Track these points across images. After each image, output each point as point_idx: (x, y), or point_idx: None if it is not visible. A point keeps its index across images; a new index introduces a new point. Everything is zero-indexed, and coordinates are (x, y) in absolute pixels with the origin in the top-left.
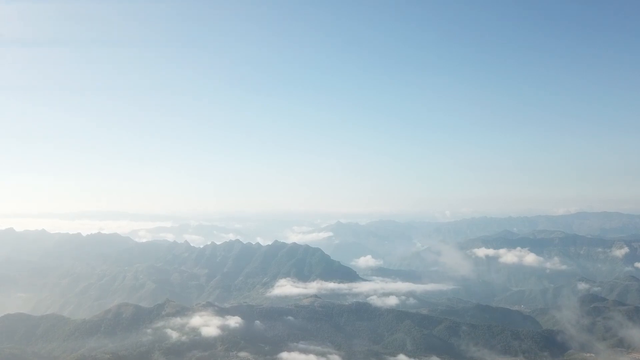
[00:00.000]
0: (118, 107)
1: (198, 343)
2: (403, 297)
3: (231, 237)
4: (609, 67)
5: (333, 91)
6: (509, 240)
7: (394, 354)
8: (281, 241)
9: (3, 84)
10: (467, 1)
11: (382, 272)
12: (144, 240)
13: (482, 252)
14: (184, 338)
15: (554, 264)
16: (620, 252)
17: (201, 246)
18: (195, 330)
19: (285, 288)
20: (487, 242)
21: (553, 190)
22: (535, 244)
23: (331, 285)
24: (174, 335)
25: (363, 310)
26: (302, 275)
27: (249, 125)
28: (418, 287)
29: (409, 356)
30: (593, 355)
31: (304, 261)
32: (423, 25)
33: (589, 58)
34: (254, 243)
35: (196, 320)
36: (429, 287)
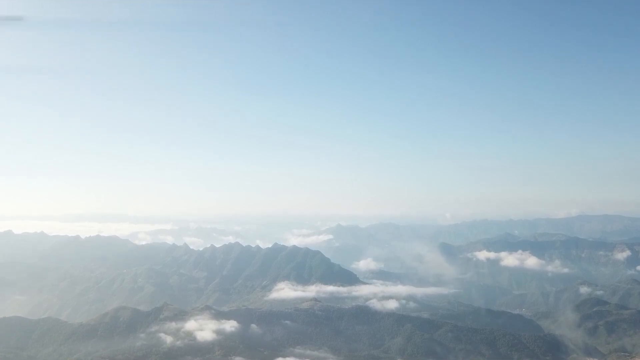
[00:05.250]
0: (118, 108)
1: (196, 347)
2: (403, 301)
3: (231, 239)
4: (610, 68)
5: (333, 92)
6: (510, 243)
7: (394, 359)
8: (281, 244)
9: (2, 85)
10: (465, 2)
11: (382, 275)
12: (144, 242)
13: (483, 255)
14: (178, 343)
15: (556, 267)
16: (622, 255)
17: (200, 249)
18: (190, 335)
19: (285, 291)
20: (488, 245)
21: (554, 192)
22: (536, 247)
23: (331, 288)
24: (168, 339)
25: (363, 314)
26: (301, 278)
27: (249, 126)
28: (419, 291)
29: None
30: (595, 359)
31: (304, 264)
32: (424, 25)
33: (591, 59)
34: (253, 246)
35: (192, 324)
36: (430, 290)
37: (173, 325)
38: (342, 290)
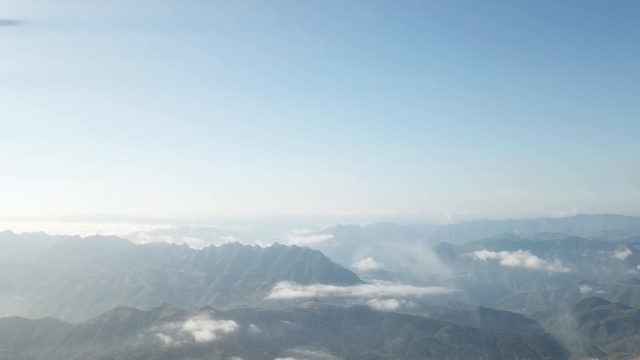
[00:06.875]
0: (118, 109)
1: (194, 348)
2: (403, 301)
3: (230, 239)
4: (611, 69)
5: (333, 93)
6: (511, 243)
7: (394, 359)
8: (281, 244)
9: (2, 85)
10: (467, 3)
11: (382, 275)
12: (144, 242)
13: (483, 254)
14: (177, 343)
15: (556, 266)
16: (622, 254)
17: (200, 249)
18: (189, 335)
19: (285, 291)
20: (488, 245)
21: (554, 192)
22: (536, 246)
23: (331, 288)
24: (166, 340)
25: (363, 314)
26: (301, 278)
27: (249, 127)
28: (419, 290)
29: None
30: (596, 359)
31: (304, 264)
32: (425, 27)
33: (592, 60)
34: (253, 246)
35: (191, 324)
36: (430, 290)
37: (172, 325)
38: (342, 290)
